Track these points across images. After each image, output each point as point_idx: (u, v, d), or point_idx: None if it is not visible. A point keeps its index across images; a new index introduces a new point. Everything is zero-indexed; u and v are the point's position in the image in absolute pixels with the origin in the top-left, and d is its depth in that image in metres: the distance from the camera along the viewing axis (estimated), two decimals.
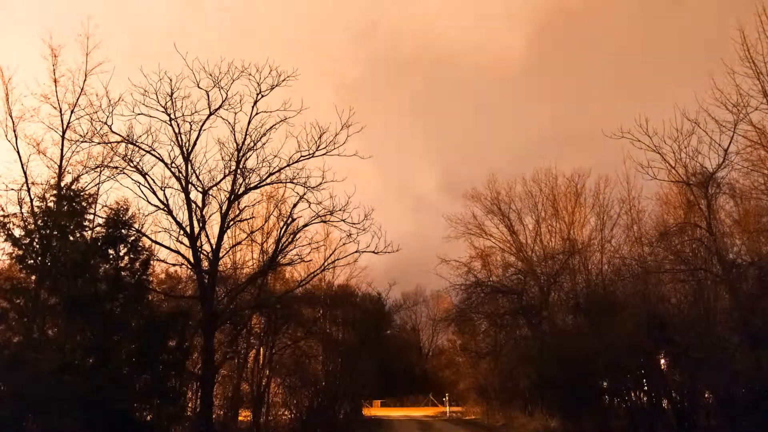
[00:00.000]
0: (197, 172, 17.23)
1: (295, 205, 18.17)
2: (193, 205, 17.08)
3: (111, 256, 14.79)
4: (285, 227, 18.37)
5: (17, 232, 13.64)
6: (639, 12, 71.78)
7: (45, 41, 15.94)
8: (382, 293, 39.20)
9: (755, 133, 16.91)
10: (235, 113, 17.33)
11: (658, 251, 20.60)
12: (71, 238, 13.92)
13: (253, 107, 17.41)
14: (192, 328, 17.56)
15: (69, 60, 16.33)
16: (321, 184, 17.57)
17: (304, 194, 17.81)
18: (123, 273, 14.83)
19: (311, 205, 17.91)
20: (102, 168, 16.33)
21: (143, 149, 16.39)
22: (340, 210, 17.81)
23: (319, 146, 17.48)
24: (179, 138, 16.90)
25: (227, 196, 17.64)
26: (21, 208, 14.38)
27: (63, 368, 12.11)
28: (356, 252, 18.80)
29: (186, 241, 17.02)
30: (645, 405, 21.62)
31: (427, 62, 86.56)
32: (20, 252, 13.39)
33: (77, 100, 16.09)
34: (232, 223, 18.39)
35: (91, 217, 15.27)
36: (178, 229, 16.95)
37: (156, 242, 16.72)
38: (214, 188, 17.54)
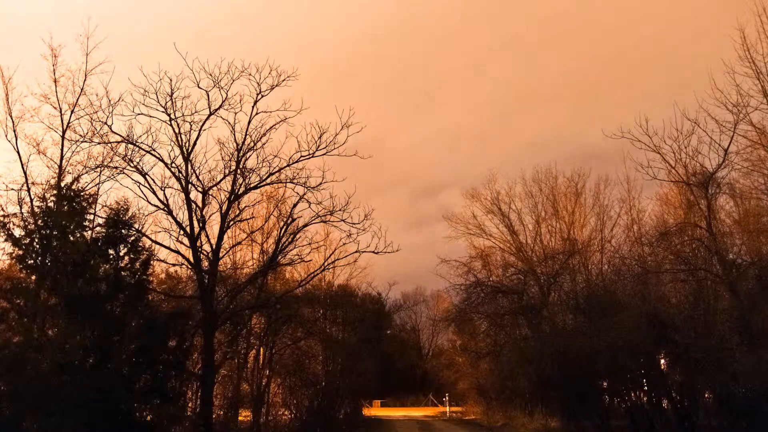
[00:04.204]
0: (197, 172, 17.23)
1: (295, 205, 18.18)
2: (193, 205, 17.08)
3: (111, 256, 14.79)
4: (285, 227, 18.38)
5: (17, 232, 13.64)
6: (639, 11, 71.77)
7: (45, 41, 15.97)
8: (382, 293, 39.32)
9: (755, 133, 16.94)
10: (235, 113, 17.33)
11: (658, 251, 20.58)
12: (71, 238, 13.90)
13: (253, 107, 17.40)
14: (192, 328, 17.56)
15: (69, 60, 16.34)
16: (321, 184, 17.58)
17: (304, 194, 17.82)
18: (123, 273, 14.83)
19: (311, 205, 17.92)
20: (102, 168, 16.33)
21: (143, 149, 16.40)
22: (340, 210, 17.83)
23: (319, 146, 17.50)
24: (179, 138, 16.90)
25: (227, 196, 17.64)
26: (21, 208, 14.40)
27: (63, 368, 12.12)
28: (356, 252, 18.84)
29: (186, 241, 17.02)
30: (645, 405, 21.60)
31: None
32: (20, 252, 13.38)
33: (77, 100, 16.11)
34: (232, 223, 18.38)
35: (91, 217, 15.26)
36: (178, 229, 16.96)
37: (156, 242, 16.72)
38: (214, 188, 17.54)
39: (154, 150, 16.50)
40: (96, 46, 16.36)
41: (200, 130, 17.04)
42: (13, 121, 15.54)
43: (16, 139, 15.51)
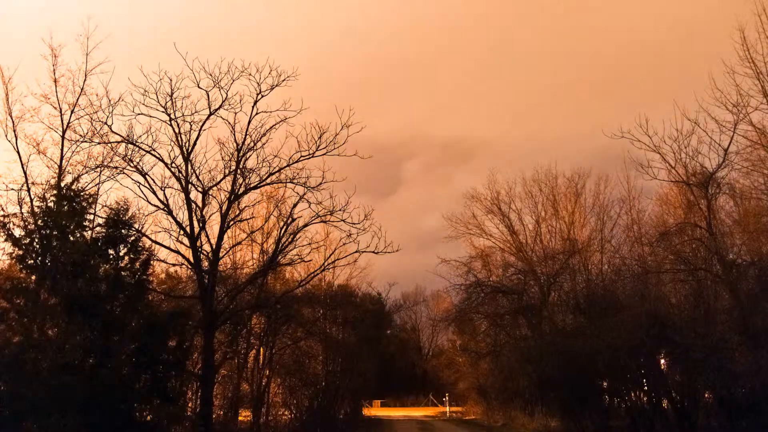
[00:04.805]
0: (197, 172, 17.22)
1: (295, 205, 18.18)
2: (193, 205, 17.08)
3: (111, 256, 14.79)
4: (285, 227, 18.37)
5: (17, 232, 13.65)
6: (638, 11, 71.76)
7: (45, 41, 15.99)
8: (382, 293, 39.37)
9: (755, 133, 16.95)
10: (235, 113, 17.33)
11: (658, 251, 20.59)
12: (71, 238, 13.91)
13: (253, 107, 17.40)
14: (192, 328, 17.56)
15: (69, 60, 16.36)
16: (321, 184, 17.58)
17: (304, 194, 17.82)
18: (123, 273, 14.82)
19: (311, 205, 17.92)
20: (102, 168, 16.34)
21: (143, 149, 16.40)
22: (340, 210, 17.82)
23: (319, 146, 17.50)
24: (179, 138, 16.90)
25: (227, 196, 17.64)
26: (21, 208, 14.41)
27: (63, 368, 12.11)
28: (356, 252, 18.84)
29: (186, 241, 17.02)
30: (645, 405, 21.59)
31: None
32: (20, 252, 13.38)
33: (77, 100, 16.14)
34: (232, 223, 18.38)
35: (91, 217, 15.27)
36: (178, 229, 16.96)
37: (156, 242, 16.73)
38: (214, 188, 17.54)
39: (154, 150, 16.51)
40: (96, 46, 16.41)
41: (200, 130, 17.05)
42: (13, 121, 15.56)
43: (16, 139, 15.54)
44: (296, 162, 17.59)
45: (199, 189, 17.27)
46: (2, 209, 13.76)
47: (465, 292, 32.06)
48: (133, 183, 16.41)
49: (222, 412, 21.82)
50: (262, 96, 17.31)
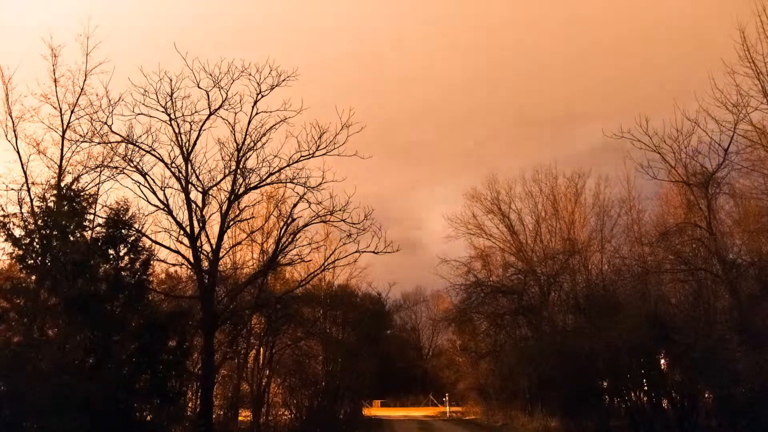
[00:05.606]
0: (197, 172, 17.22)
1: (295, 205, 18.19)
2: (193, 205, 17.07)
3: (111, 256, 14.81)
4: (285, 227, 18.38)
5: (17, 232, 13.66)
6: (638, 11, 71.70)
7: (45, 41, 15.99)
8: (382, 293, 39.39)
9: (755, 133, 16.93)
10: (235, 113, 17.33)
11: (658, 251, 20.60)
12: (71, 238, 13.92)
13: (253, 107, 17.40)
14: (192, 328, 17.57)
15: (69, 60, 16.37)
16: (321, 184, 17.59)
17: (304, 194, 17.83)
18: (123, 273, 14.85)
19: (311, 205, 17.93)
20: (102, 168, 16.33)
21: (143, 149, 16.39)
22: (340, 210, 17.84)
23: (319, 146, 17.50)
24: (179, 138, 16.89)
25: (227, 196, 17.64)
26: (21, 208, 14.41)
27: (63, 368, 12.12)
28: (356, 252, 18.88)
29: (186, 241, 17.01)
30: (645, 405, 21.59)
31: None
32: (20, 252, 13.39)
33: (77, 100, 16.13)
34: (232, 223, 18.38)
35: (91, 217, 15.28)
36: (178, 229, 16.96)
37: (156, 242, 16.72)
38: (214, 188, 17.54)
39: (154, 150, 16.51)
40: (96, 46, 16.41)
41: (200, 130, 17.04)
42: (13, 121, 15.55)
43: (16, 139, 15.53)
44: (296, 162, 17.62)
45: (199, 189, 17.27)
46: (2, 209, 13.77)
47: (465, 292, 32.11)
48: (133, 183, 16.43)
49: (222, 412, 21.84)
50: (262, 96, 17.31)
